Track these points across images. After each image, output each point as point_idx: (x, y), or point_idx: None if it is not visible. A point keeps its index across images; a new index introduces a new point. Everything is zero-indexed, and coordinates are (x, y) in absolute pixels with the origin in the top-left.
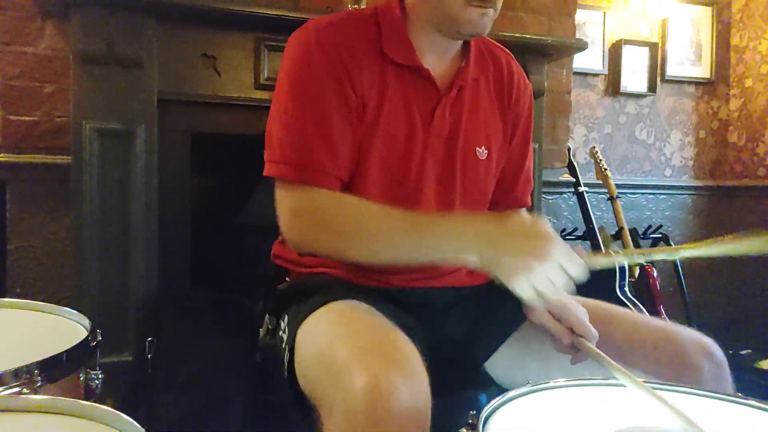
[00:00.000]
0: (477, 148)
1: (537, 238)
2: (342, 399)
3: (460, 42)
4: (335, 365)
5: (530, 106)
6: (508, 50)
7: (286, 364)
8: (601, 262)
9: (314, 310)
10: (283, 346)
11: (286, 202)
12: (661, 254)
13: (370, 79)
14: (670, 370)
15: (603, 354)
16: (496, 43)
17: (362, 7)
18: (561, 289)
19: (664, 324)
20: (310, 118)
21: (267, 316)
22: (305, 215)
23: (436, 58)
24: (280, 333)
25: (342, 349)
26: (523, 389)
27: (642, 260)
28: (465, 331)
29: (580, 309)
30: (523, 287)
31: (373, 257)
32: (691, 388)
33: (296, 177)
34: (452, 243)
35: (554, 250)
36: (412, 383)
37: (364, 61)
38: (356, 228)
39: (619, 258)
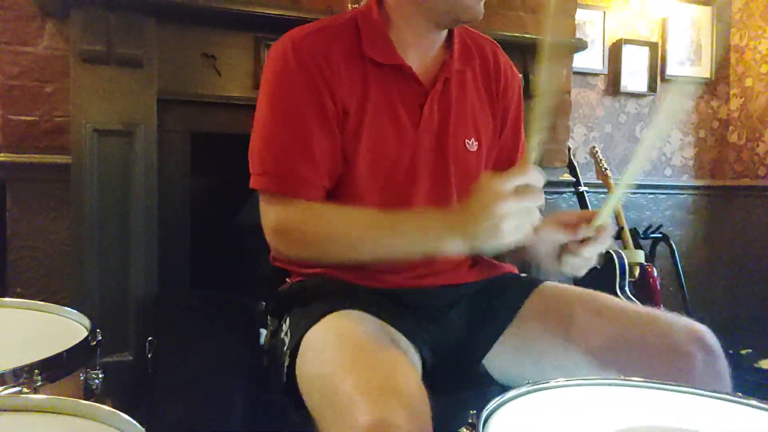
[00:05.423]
0: (466, 140)
1: (485, 197)
2: None
3: (444, 35)
4: (339, 397)
5: (519, 97)
6: (495, 41)
7: (285, 369)
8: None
9: (317, 320)
10: (285, 349)
11: (268, 215)
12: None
13: (350, 85)
14: (661, 358)
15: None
16: (481, 34)
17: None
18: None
19: (655, 312)
20: (289, 130)
21: (269, 317)
22: (286, 229)
23: (420, 53)
24: (282, 336)
25: (345, 382)
26: (524, 389)
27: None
28: (465, 329)
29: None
30: (507, 239)
31: (356, 261)
32: (691, 387)
33: (277, 188)
34: (427, 236)
35: (504, 199)
36: (414, 420)
37: (344, 66)
38: (333, 238)
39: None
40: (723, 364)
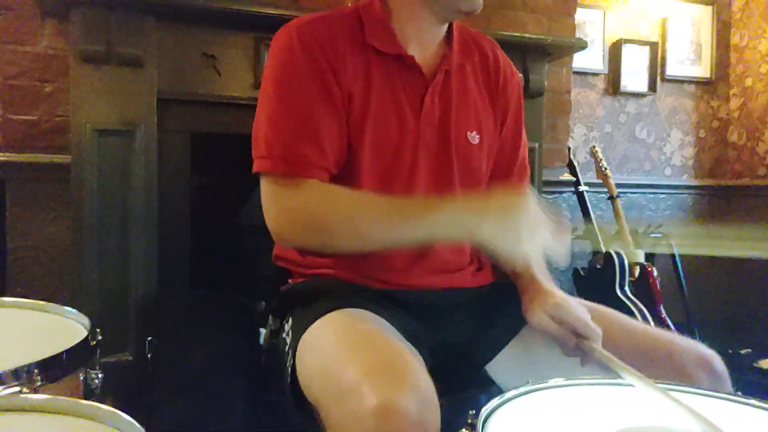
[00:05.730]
0: (468, 133)
1: (519, 211)
2: (351, 421)
3: (444, 30)
4: (343, 384)
5: (519, 94)
6: (493, 40)
7: (289, 368)
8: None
9: (319, 317)
10: (287, 350)
11: (272, 197)
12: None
13: (354, 71)
14: (667, 380)
15: (609, 354)
16: (479, 32)
17: None
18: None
19: (663, 333)
20: (294, 114)
21: (270, 317)
22: (293, 212)
23: (421, 46)
24: (284, 335)
25: (349, 368)
26: (523, 389)
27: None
28: (467, 334)
29: (580, 309)
30: (514, 253)
31: (364, 247)
32: (691, 387)
33: (282, 170)
34: (441, 223)
35: (537, 223)
36: (421, 403)
37: (348, 53)
38: (343, 221)
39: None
40: (729, 388)
